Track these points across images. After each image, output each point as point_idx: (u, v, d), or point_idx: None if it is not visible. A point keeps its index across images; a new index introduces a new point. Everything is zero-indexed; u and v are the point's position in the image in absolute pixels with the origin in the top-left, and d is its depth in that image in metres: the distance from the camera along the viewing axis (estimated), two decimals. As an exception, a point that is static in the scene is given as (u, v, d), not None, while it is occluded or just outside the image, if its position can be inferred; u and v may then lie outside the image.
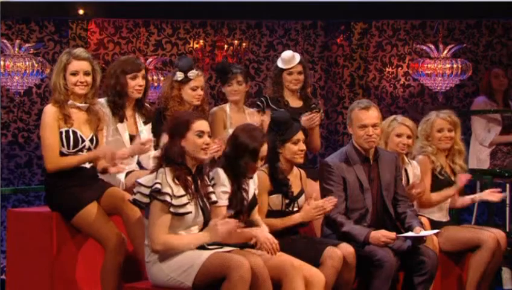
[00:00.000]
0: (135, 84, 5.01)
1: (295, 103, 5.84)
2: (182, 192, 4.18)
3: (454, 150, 5.53)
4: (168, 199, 4.13)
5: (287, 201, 4.82)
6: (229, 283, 4.04)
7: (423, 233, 4.86)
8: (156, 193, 4.13)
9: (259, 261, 4.14)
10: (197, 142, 4.21)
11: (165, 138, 4.46)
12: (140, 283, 4.47)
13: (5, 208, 7.04)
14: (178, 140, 4.22)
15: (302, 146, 4.83)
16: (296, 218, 4.76)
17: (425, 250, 4.88)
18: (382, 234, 4.76)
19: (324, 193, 4.92)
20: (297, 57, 5.82)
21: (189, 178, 4.22)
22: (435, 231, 5.07)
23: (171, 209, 4.14)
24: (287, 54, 5.84)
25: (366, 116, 4.91)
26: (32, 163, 8.57)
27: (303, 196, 4.90)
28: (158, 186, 4.13)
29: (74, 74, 4.66)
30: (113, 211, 4.68)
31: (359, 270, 4.73)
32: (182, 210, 4.17)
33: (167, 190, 4.13)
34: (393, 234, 4.76)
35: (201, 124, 4.24)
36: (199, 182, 4.28)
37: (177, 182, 4.16)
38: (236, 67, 5.63)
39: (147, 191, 4.17)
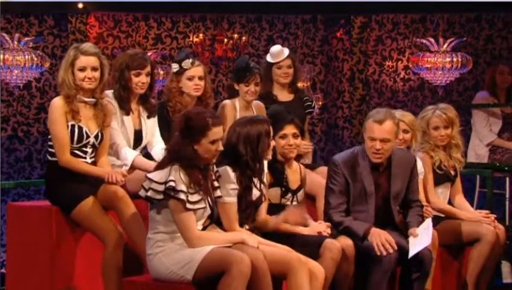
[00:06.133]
0: (138, 81, 4.97)
1: (285, 96, 5.88)
2: (195, 188, 4.17)
3: (452, 144, 5.52)
4: (183, 196, 4.11)
5: (285, 195, 4.82)
6: (228, 277, 4.03)
7: (418, 231, 4.82)
8: (171, 191, 4.11)
9: (259, 255, 4.14)
10: (211, 149, 4.20)
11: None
12: (139, 277, 4.47)
13: (5, 202, 7.03)
14: (191, 143, 4.18)
15: (291, 141, 4.78)
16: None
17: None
18: (385, 237, 4.66)
19: (327, 192, 4.86)
20: (286, 51, 5.90)
21: (200, 176, 4.21)
22: (428, 222, 4.95)
23: (188, 206, 4.13)
24: (276, 48, 5.92)
25: (377, 129, 4.74)
26: (31, 157, 8.56)
27: (302, 191, 4.89)
28: (172, 183, 4.11)
29: (82, 69, 4.62)
30: (108, 206, 4.66)
31: (358, 264, 4.71)
32: (197, 206, 4.17)
33: (182, 187, 4.12)
34: (393, 243, 4.65)
35: (217, 132, 4.20)
36: (207, 177, 4.27)
37: (189, 179, 4.15)
38: (256, 67, 5.57)
39: (159, 187, 4.14)
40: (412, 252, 4.71)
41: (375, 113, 4.83)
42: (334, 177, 4.81)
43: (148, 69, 4.99)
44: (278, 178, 4.77)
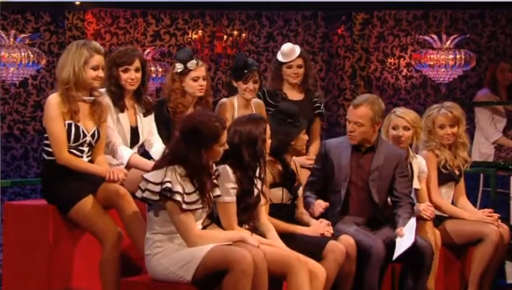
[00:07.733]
0: (127, 78, 4.92)
1: (295, 96, 5.81)
2: (192, 189, 4.14)
3: (458, 143, 5.51)
4: (179, 198, 4.09)
5: (290, 195, 4.79)
6: (232, 275, 4.01)
7: (404, 230, 4.80)
8: (167, 192, 4.08)
9: (260, 253, 4.12)
10: (220, 152, 4.24)
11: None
12: (137, 277, 4.45)
13: (2, 201, 6.97)
14: (199, 149, 4.14)
15: (306, 136, 4.94)
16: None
17: (420, 242, 4.84)
18: (315, 205, 4.88)
19: (311, 170, 5.14)
20: (297, 50, 5.80)
21: (198, 175, 4.18)
22: (412, 222, 4.90)
23: (184, 207, 4.10)
24: (287, 46, 5.82)
25: (351, 112, 5.00)
26: (28, 156, 8.53)
27: (300, 188, 4.87)
28: (169, 185, 4.08)
29: (95, 68, 4.59)
30: (109, 205, 4.62)
31: (359, 264, 4.72)
32: (194, 206, 4.14)
33: (178, 188, 4.09)
34: (324, 203, 4.85)
35: (225, 134, 4.25)
36: (206, 176, 4.24)
37: (189, 180, 4.13)
38: (254, 64, 5.52)
39: (156, 188, 4.11)
40: (396, 255, 4.75)
41: (358, 97, 5.14)
42: (318, 157, 5.15)
43: (137, 64, 4.93)
44: (285, 178, 4.76)
